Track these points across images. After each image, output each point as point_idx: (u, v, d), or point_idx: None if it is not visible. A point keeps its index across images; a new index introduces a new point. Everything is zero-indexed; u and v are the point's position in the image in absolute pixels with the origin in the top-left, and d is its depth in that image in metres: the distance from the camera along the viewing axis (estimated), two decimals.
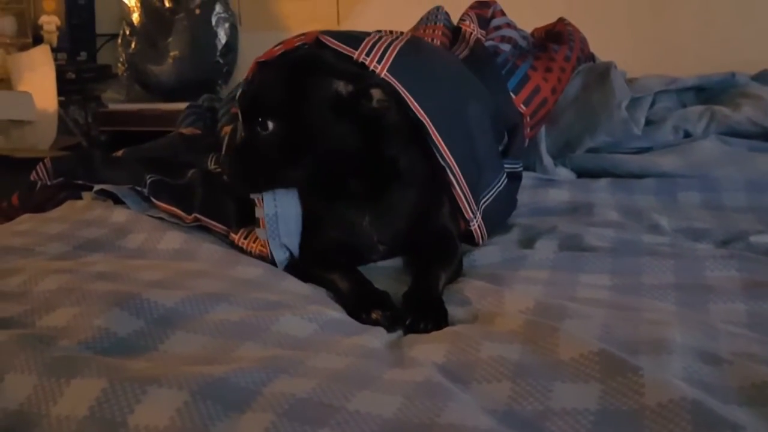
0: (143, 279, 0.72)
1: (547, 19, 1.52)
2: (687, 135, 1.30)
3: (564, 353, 0.56)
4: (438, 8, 1.35)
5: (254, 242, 0.91)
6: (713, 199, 1.15)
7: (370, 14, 2.12)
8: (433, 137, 0.90)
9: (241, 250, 0.92)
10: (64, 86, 2.23)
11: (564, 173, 1.32)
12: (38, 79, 2.14)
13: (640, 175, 1.24)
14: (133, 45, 2.33)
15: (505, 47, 1.33)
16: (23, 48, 2.46)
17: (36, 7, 2.43)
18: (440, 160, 0.91)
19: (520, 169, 1.17)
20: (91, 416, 0.50)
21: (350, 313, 0.75)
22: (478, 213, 0.97)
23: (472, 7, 1.37)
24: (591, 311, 0.66)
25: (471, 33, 1.27)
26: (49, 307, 0.67)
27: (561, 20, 1.47)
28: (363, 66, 0.88)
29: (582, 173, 1.31)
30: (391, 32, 1.18)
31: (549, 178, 1.30)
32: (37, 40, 2.44)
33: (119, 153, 1.34)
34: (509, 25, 1.38)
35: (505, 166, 1.11)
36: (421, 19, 1.36)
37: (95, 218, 0.98)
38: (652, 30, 1.89)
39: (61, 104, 2.20)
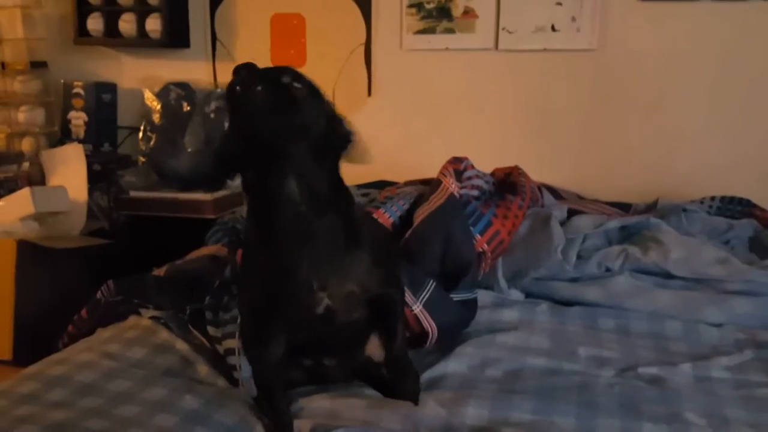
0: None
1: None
2: (608, 270, 1.65)
3: None
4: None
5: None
6: (623, 326, 1.50)
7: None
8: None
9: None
10: (89, 175, 2.54)
11: (515, 294, 1.67)
12: (71, 173, 2.45)
13: (571, 301, 1.61)
14: (152, 141, 2.68)
15: (474, 193, 1.72)
16: (51, 136, 2.79)
17: (66, 104, 2.77)
18: None
19: (474, 296, 1.51)
20: None
21: None
22: (418, 303, 1.33)
23: (450, 162, 1.74)
24: None
25: (447, 187, 1.64)
26: None
27: (516, 168, 1.87)
28: None
29: (529, 294, 1.67)
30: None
31: (504, 297, 1.66)
32: (65, 130, 2.78)
33: (162, 270, 1.66)
34: (477, 175, 1.77)
35: (457, 296, 1.45)
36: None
37: (163, 344, 1.33)
38: (592, 155, 2.29)
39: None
